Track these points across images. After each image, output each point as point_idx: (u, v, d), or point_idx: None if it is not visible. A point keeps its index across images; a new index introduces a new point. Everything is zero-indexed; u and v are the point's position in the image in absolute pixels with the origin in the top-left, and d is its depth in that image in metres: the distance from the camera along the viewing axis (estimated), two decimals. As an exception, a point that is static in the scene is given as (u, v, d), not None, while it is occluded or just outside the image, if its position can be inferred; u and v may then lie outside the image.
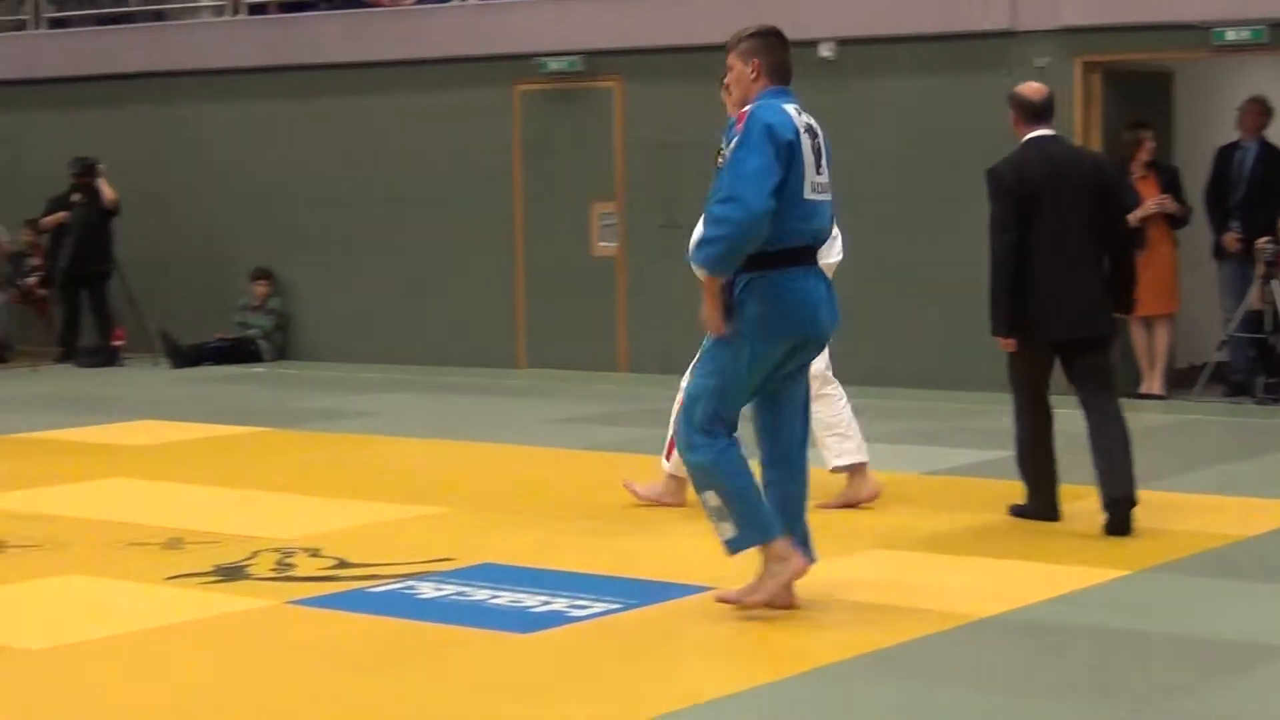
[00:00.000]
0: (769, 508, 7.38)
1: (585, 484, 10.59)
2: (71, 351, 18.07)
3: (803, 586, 7.48)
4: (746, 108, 7.40)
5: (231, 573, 8.32)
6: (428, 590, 7.94)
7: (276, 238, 18.01)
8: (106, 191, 17.68)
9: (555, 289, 16.58)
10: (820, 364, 9.18)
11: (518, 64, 16.63)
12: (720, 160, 7.37)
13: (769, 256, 7.30)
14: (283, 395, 15.36)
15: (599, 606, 7.58)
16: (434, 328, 17.30)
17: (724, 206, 7.30)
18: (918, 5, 15.03)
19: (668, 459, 9.69)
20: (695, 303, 16.55)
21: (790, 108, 7.40)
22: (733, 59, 7.57)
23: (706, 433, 7.36)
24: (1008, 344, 9.17)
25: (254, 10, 18.43)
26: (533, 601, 7.67)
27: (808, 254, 7.41)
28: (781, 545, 7.37)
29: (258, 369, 17.34)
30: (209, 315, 18.11)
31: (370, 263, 17.56)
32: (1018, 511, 9.36)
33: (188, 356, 17.58)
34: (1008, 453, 9.54)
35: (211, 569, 8.39)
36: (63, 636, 7.28)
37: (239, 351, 17.71)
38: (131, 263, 17.83)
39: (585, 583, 7.99)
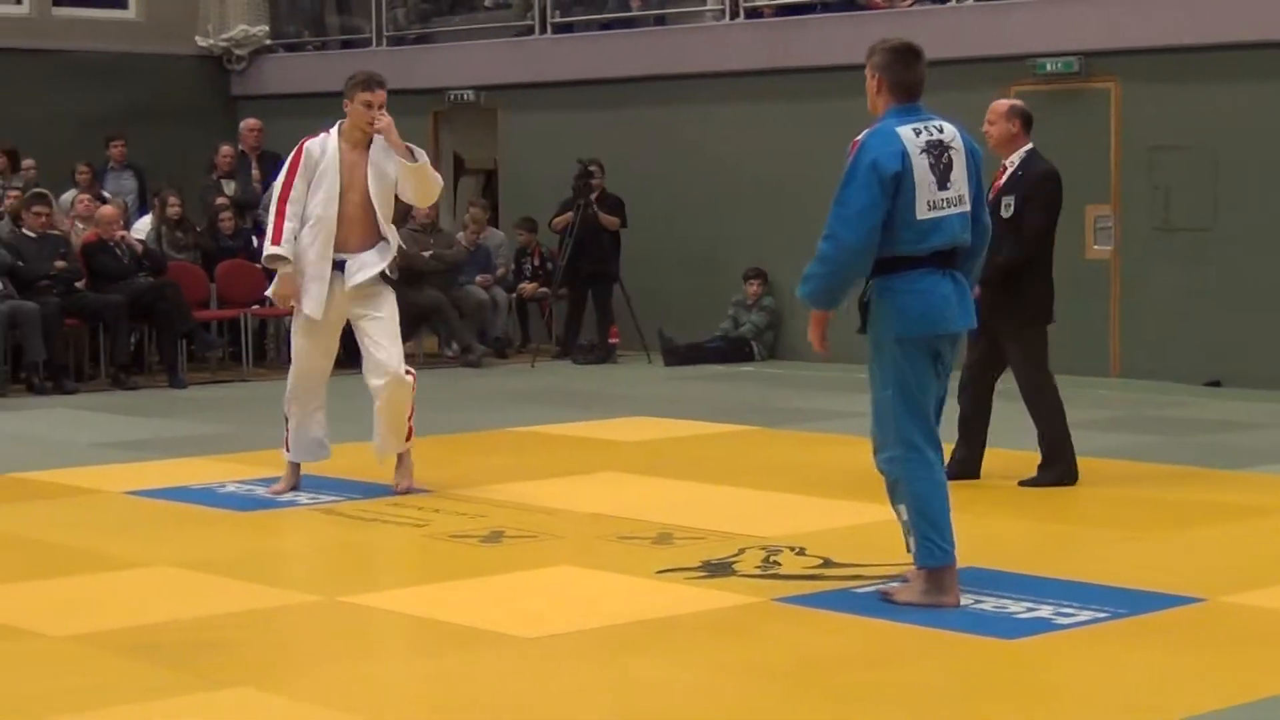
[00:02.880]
0: (949, 534, 7.56)
1: (1074, 490, 10.43)
2: (569, 348, 18.53)
3: None
4: (859, 136, 7.56)
5: (719, 569, 8.42)
6: (911, 593, 7.92)
7: (770, 238, 18.17)
8: (604, 219, 18.06)
9: (1047, 292, 16.37)
10: (397, 361, 10.20)
11: (1013, 65, 16.46)
12: None
13: (889, 262, 7.49)
14: (772, 394, 15.49)
15: (1086, 615, 7.47)
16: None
17: (824, 244, 7.51)
18: None
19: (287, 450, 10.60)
20: (1192, 308, 16.24)
21: (909, 129, 7.51)
22: (867, 70, 7.70)
23: (901, 444, 7.57)
24: None
25: (751, 14, 18.63)
26: (1017, 608, 7.60)
27: (932, 259, 7.52)
28: (949, 574, 7.58)
29: (747, 368, 17.52)
30: (704, 314, 18.37)
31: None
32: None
33: (681, 355, 17.87)
34: None
35: (699, 564, 8.51)
36: (553, 626, 7.46)
37: (732, 350, 17.93)
38: (629, 261, 18.18)
39: (1071, 590, 7.88)
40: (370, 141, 10.21)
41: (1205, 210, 15.54)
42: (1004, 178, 10.60)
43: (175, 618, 7.63)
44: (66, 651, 7.11)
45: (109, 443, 12.85)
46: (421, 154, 10.25)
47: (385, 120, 10.09)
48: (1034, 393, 10.57)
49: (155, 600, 8.02)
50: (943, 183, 7.50)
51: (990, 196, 10.39)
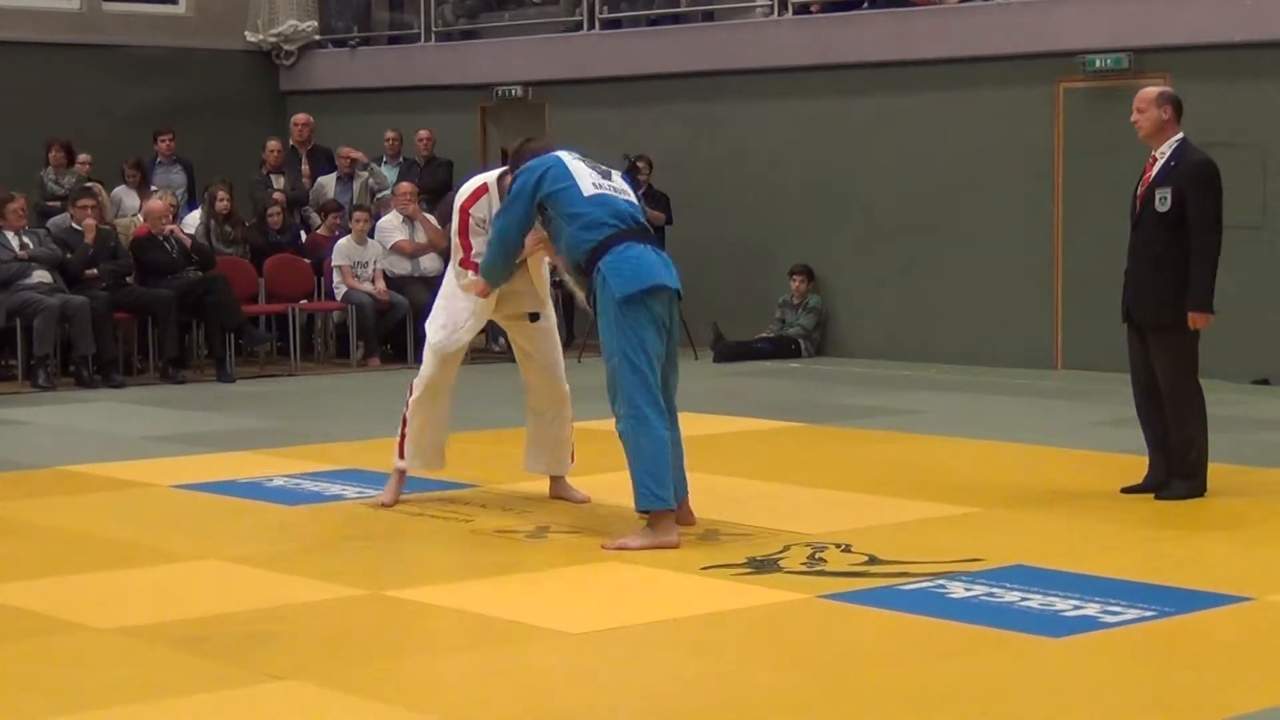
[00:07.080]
0: (667, 483, 8.75)
1: (1118, 489, 10.39)
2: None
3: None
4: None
5: (764, 565, 8.43)
6: (958, 590, 7.91)
7: (816, 234, 18.17)
8: (650, 214, 18.03)
9: (1094, 290, 16.30)
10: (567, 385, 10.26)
11: (1061, 61, 16.43)
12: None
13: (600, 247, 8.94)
14: (819, 391, 15.48)
15: (1132, 613, 7.44)
16: (971, 327, 17.22)
17: None
18: None
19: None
20: (1240, 306, 16.18)
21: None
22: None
23: (627, 404, 8.77)
24: None
25: (799, 10, 18.62)
26: (1064, 605, 7.58)
27: (628, 234, 9.10)
28: (667, 518, 8.77)
29: (794, 364, 17.51)
30: (751, 310, 18.38)
31: (908, 260, 17.58)
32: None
33: (730, 351, 17.87)
34: None
35: (744, 561, 8.51)
36: (599, 622, 7.48)
37: (779, 348, 17.92)
38: (675, 257, 18.02)
39: (1118, 588, 7.85)
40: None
41: (1255, 208, 15.47)
42: (1155, 169, 10.07)
43: (224, 611, 7.67)
44: (116, 644, 7.15)
45: (157, 436, 12.91)
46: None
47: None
48: (1177, 398, 10.01)
49: (204, 594, 8.06)
50: (604, 175, 9.22)
51: (1141, 190, 10.12)
